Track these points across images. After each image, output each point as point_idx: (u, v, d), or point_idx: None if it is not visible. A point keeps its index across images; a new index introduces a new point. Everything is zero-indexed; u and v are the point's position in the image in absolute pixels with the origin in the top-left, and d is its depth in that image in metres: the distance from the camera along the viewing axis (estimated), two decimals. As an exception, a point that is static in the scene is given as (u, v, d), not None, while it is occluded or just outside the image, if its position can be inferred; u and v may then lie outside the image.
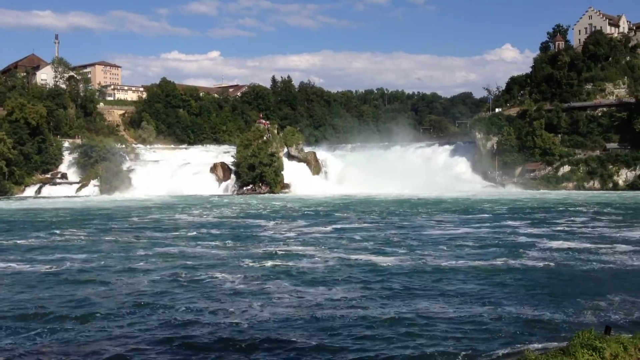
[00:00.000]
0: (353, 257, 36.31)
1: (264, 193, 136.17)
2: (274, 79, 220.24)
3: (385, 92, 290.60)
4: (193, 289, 27.52)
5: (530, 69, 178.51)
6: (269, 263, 33.88)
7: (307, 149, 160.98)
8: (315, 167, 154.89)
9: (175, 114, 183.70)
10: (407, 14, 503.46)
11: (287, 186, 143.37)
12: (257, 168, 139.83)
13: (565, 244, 41.23)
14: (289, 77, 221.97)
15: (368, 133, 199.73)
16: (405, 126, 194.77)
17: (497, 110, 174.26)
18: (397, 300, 24.64)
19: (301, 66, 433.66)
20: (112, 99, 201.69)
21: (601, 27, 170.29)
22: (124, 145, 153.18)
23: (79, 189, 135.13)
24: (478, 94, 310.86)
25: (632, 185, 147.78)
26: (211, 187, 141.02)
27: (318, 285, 27.96)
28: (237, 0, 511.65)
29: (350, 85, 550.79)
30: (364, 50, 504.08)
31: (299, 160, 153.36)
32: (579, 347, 14.31)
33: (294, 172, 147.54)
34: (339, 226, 55.74)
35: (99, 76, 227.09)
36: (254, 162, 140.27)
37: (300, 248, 40.10)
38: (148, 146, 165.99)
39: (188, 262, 34.85)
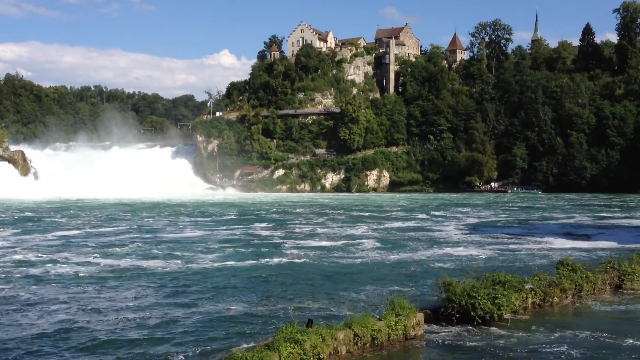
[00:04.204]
0: (111, 262, 34.40)
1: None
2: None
3: (104, 90, 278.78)
4: None
5: (249, 76, 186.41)
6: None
7: (13, 148, 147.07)
8: (24, 167, 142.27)
9: None
10: (123, 11, 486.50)
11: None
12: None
13: (311, 243, 43.81)
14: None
15: (85, 132, 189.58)
16: (125, 126, 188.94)
17: (217, 114, 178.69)
18: (158, 303, 24.26)
19: (5, 57, 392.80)
20: None
21: (312, 41, 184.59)
22: None
23: None
24: (200, 97, 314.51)
25: (336, 188, 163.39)
26: None
27: (91, 292, 26.27)
28: None
29: (64, 81, 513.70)
30: (77, 44, 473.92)
31: (4, 159, 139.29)
32: (283, 341, 15.49)
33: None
34: (65, 233, 51.76)
35: None
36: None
37: (35, 257, 36.57)
38: None
39: None
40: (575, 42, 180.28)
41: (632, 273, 25.35)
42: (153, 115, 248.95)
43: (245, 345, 16.96)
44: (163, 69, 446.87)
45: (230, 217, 70.41)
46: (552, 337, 18.22)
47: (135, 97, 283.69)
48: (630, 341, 17.80)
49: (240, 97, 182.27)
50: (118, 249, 40.68)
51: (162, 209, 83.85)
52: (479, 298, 19.35)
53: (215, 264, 34.08)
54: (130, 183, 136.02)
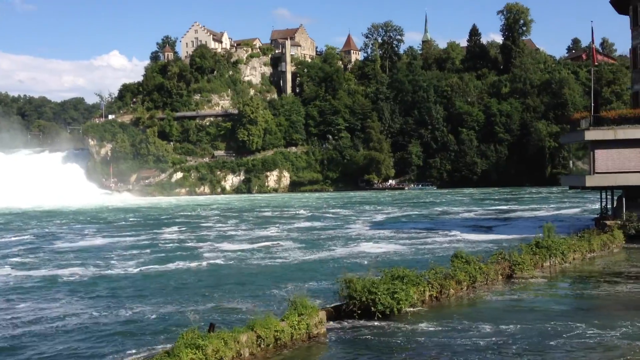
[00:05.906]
0: (21, 273, 32.39)
1: None
2: None
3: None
4: None
5: (142, 78, 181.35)
6: None
7: None
8: None
9: None
10: (2, 11, 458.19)
11: None
12: None
13: (224, 246, 42.89)
14: None
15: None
16: (10, 131, 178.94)
17: (110, 117, 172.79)
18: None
19: None
20: None
21: (206, 41, 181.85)
22: None
23: None
24: (91, 99, 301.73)
25: (237, 190, 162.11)
26: None
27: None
28: None
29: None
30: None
31: None
32: (183, 347, 15.13)
33: None
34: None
35: None
36: None
37: None
38: None
39: None
40: (463, 43, 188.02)
41: (521, 263, 26.61)
42: (40, 120, 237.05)
43: (143, 355, 16.41)
44: (49, 71, 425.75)
45: (133, 223, 68.12)
46: (450, 328, 18.76)
47: (21, 101, 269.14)
48: (521, 327, 18.64)
49: (134, 100, 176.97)
50: (22, 259, 38.59)
51: (57, 217, 79.92)
52: (379, 293, 19.66)
53: (131, 271, 32.95)
54: (17, 191, 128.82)
